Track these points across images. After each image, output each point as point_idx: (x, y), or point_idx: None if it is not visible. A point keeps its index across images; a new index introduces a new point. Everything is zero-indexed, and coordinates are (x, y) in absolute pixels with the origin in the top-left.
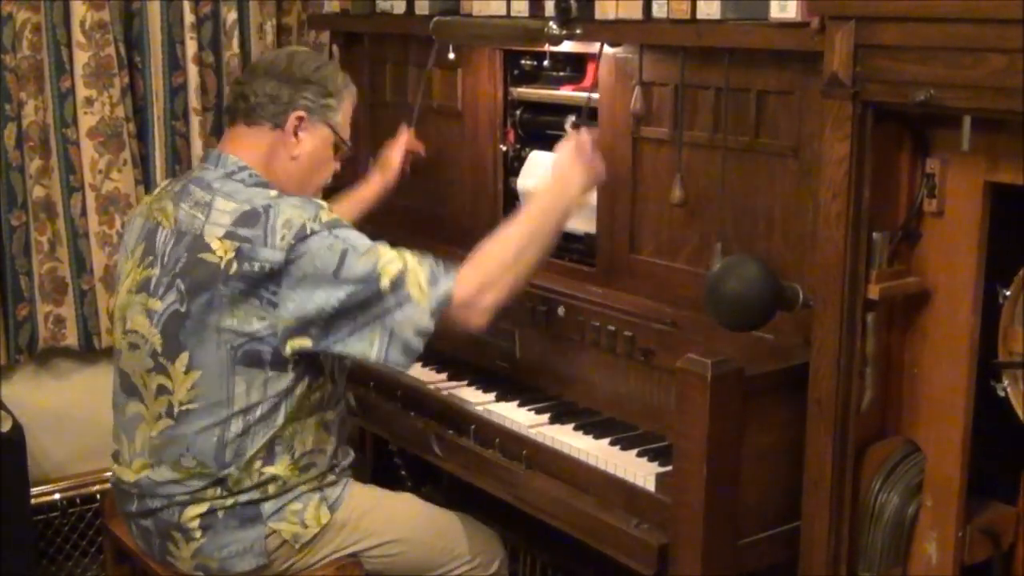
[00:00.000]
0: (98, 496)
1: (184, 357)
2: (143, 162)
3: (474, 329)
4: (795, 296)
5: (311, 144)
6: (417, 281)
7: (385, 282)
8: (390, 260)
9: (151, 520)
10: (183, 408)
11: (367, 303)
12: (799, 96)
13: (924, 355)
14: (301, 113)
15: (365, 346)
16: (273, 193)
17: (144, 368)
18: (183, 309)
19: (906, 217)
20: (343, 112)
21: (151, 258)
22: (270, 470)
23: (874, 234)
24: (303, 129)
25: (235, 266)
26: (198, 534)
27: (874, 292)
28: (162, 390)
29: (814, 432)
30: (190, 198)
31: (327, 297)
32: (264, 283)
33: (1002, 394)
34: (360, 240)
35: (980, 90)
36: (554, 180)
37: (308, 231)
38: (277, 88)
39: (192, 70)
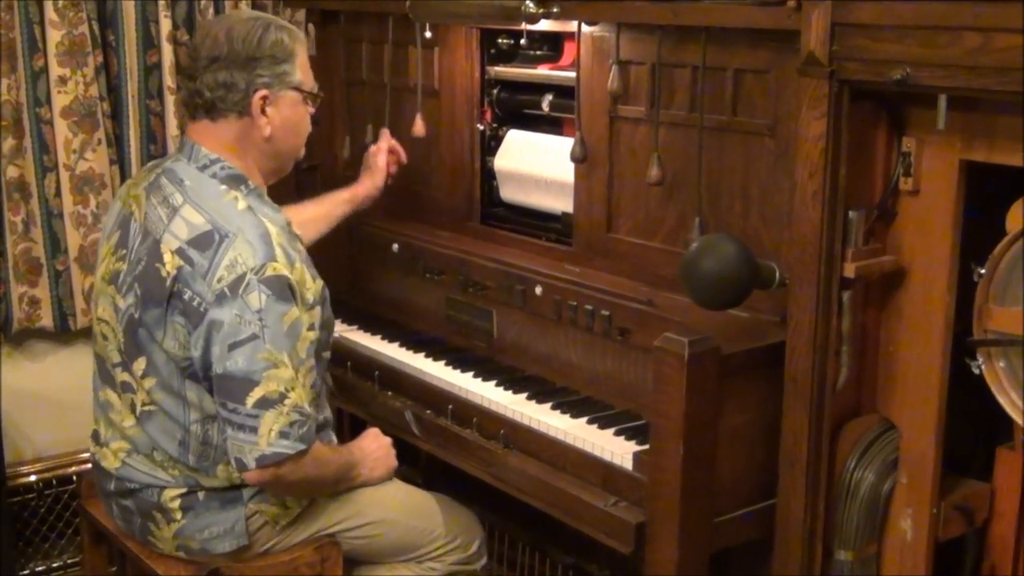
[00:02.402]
0: (75, 477)
1: (141, 362)
2: (117, 141)
3: (248, 483)
4: (771, 274)
5: (281, 115)
6: (275, 421)
7: (256, 394)
8: (277, 375)
9: (131, 500)
10: (144, 409)
11: (229, 398)
12: (776, 75)
13: (899, 333)
14: (263, 92)
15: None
16: (242, 206)
17: (112, 361)
18: (137, 316)
19: (882, 195)
20: (300, 67)
21: (123, 251)
22: None
23: (850, 212)
24: (269, 104)
25: (175, 285)
26: (179, 515)
27: (850, 270)
28: (127, 387)
29: (790, 410)
30: (159, 192)
31: (214, 362)
32: (189, 314)
33: (977, 372)
34: (276, 326)
35: (955, 68)
36: (362, 466)
37: (243, 285)
38: (228, 76)
39: (166, 49)
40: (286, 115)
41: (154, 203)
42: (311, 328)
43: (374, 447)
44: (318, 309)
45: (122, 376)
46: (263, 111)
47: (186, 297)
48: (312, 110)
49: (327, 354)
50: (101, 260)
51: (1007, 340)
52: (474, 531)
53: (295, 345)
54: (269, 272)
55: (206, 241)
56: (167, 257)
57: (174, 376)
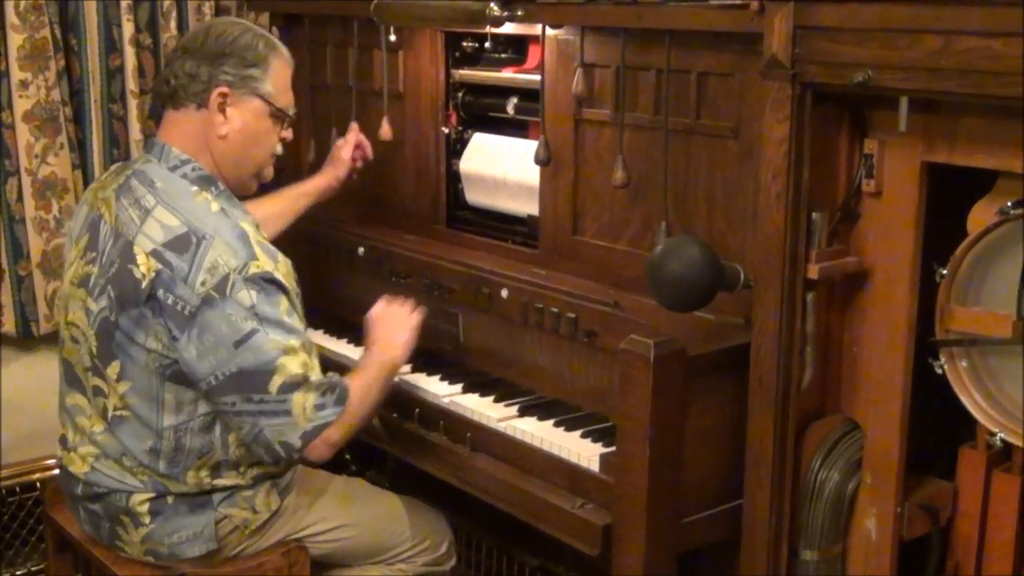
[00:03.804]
0: (39, 484)
1: (116, 366)
2: (80, 146)
3: (312, 460)
4: (736, 276)
5: (241, 119)
6: (305, 399)
7: (276, 381)
8: (292, 360)
9: (99, 504)
10: (116, 414)
11: (251, 390)
12: (739, 77)
13: (863, 334)
14: (223, 89)
15: (237, 425)
16: (215, 208)
17: (83, 365)
18: (112, 319)
19: (845, 197)
20: (273, 79)
21: (93, 254)
22: (220, 482)
23: (813, 214)
24: (230, 105)
25: (153, 288)
26: (147, 519)
27: (813, 272)
28: (98, 391)
29: (755, 411)
30: (130, 194)
31: (220, 364)
32: (173, 318)
33: (939, 372)
34: (274, 316)
35: (916, 71)
36: (379, 363)
37: (229, 285)
38: (195, 67)
39: (129, 52)
40: (247, 121)
41: (125, 205)
42: (301, 319)
43: (377, 334)
44: (298, 302)
45: (93, 380)
46: (221, 109)
47: (169, 301)
48: (285, 133)
49: None
50: (69, 264)
51: (969, 340)
52: (443, 532)
53: (297, 329)
54: (253, 270)
55: (183, 244)
56: (141, 259)
57: (152, 378)
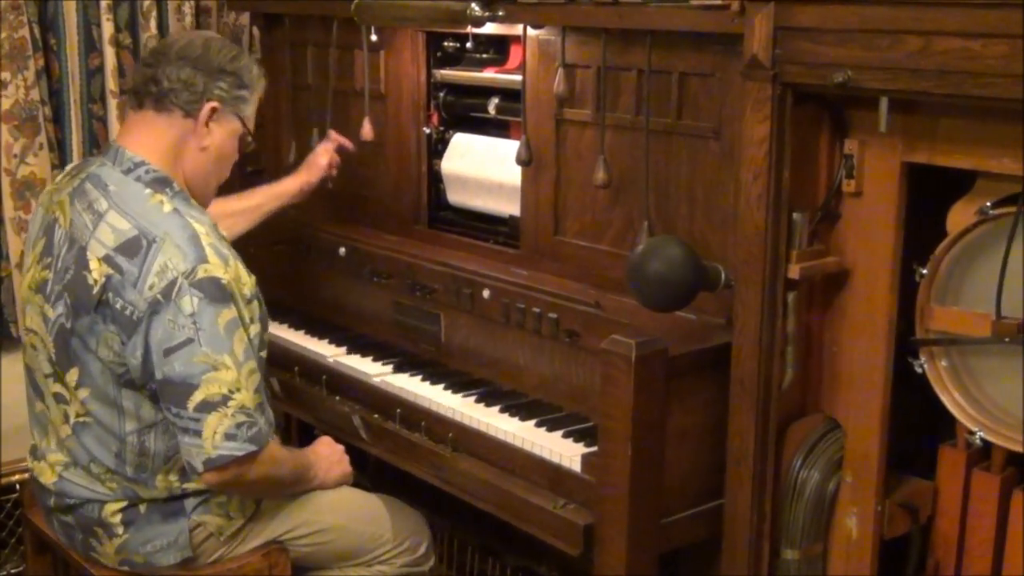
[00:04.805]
0: (18, 486)
1: (74, 372)
2: (59, 146)
3: (208, 485)
4: (717, 276)
5: (220, 136)
6: (219, 423)
7: (196, 398)
8: (218, 377)
9: (72, 516)
10: (78, 420)
11: (172, 402)
12: (720, 78)
13: (843, 333)
14: (215, 103)
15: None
16: (168, 209)
17: (43, 372)
18: (68, 325)
19: (825, 197)
20: (253, 104)
21: (49, 259)
22: (191, 486)
23: (794, 214)
24: (214, 120)
25: (104, 293)
26: (120, 530)
27: (794, 272)
28: (59, 398)
29: (736, 410)
30: (84, 198)
31: (155, 368)
32: (122, 323)
33: (919, 371)
34: (211, 328)
35: (897, 71)
36: (318, 468)
37: (175, 290)
38: (192, 75)
39: (109, 52)
40: (224, 139)
41: (79, 209)
42: (252, 322)
43: (327, 452)
44: (255, 303)
45: (54, 387)
46: (207, 122)
47: (117, 306)
48: (237, 155)
49: (263, 353)
50: (27, 269)
51: (949, 339)
52: (422, 533)
53: (233, 347)
54: (201, 275)
55: (134, 247)
56: (93, 264)
57: (109, 385)
